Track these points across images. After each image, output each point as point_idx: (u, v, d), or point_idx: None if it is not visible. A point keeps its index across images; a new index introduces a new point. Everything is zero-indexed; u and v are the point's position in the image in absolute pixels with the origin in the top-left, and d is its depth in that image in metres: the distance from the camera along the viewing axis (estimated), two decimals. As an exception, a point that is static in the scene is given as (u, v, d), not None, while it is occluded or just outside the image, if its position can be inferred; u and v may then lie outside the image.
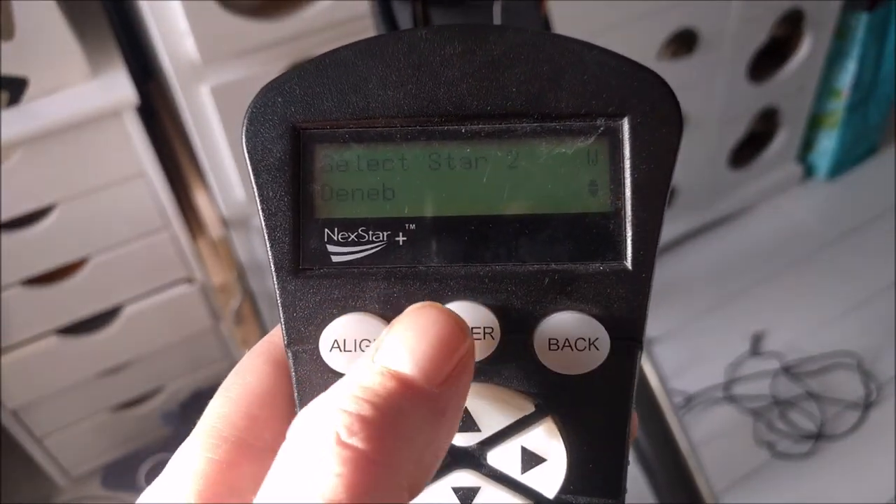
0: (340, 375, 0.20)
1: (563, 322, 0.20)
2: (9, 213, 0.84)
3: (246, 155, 0.20)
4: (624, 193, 0.20)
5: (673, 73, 1.18)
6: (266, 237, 0.20)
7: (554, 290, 0.20)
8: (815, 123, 1.55)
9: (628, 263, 0.20)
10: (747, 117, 1.38)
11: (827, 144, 1.57)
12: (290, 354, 0.20)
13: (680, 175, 1.36)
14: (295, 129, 0.20)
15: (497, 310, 0.20)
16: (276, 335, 0.21)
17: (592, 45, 0.20)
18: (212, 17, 0.77)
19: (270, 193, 0.20)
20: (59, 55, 0.82)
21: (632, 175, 0.20)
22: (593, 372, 0.20)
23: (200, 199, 0.97)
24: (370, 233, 0.20)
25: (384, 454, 0.16)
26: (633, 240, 0.20)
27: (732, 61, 1.25)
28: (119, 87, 0.84)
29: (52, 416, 1.04)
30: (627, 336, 0.20)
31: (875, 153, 1.66)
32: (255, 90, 0.73)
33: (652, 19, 1.10)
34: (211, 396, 0.21)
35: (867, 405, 1.20)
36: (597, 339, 0.20)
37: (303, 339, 0.20)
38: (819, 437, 1.17)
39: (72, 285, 0.93)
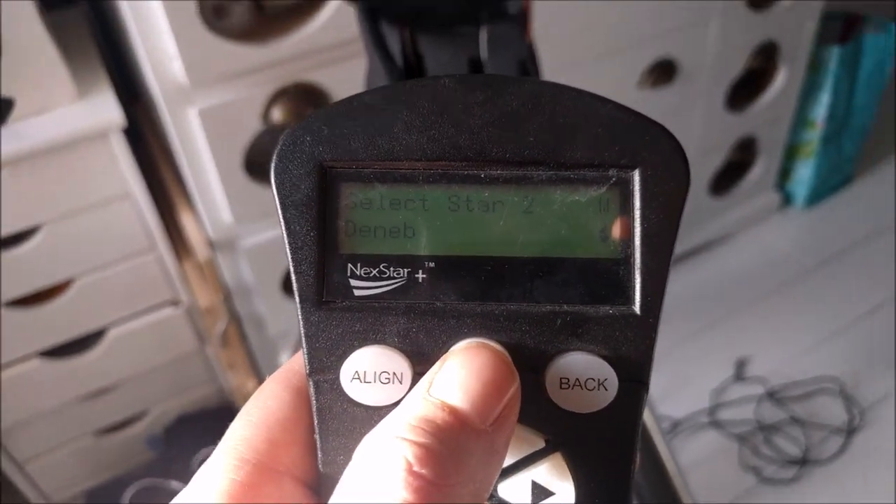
0: (360, 406, 0.21)
1: (574, 362, 0.21)
2: (-6, 234, 0.85)
3: (274, 190, 0.21)
4: (633, 241, 0.21)
5: (653, 102, 1.21)
6: (292, 269, 0.21)
7: (566, 331, 0.21)
8: (791, 153, 1.59)
9: (636, 308, 0.21)
10: (726, 146, 1.41)
11: (804, 173, 1.60)
12: (311, 383, 0.21)
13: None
14: (322, 167, 0.21)
15: (511, 348, 0.21)
16: (296, 363, 0.22)
17: (607, 100, 0.21)
18: (200, 41, 0.78)
19: (297, 228, 0.21)
20: (47, 76, 0.83)
21: (641, 224, 0.21)
22: (602, 411, 0.21)
23: (187, 221, 0.97)
24: (391, 269, 0.21)
25: (450, 487, 0.17)
26: (641, 285, 0.21)
27: (710, 91, 1.28)
28: (106, 109, 0.85)
29: (33, 440, 1.03)
30: (635, 378, 0.21)
31: (851, 183, 1.70)
32: (243, 113, 0.75)
33: (633, 49, 1.13)
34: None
35: (850, 430, 1.20)
36: (606, 379, 0.21)
37: (324, 370, 0.21)
38: (804, 462, 1.17)
39: (56, 307, 0.93)
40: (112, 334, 0.99)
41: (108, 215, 0.90)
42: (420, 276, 0.21)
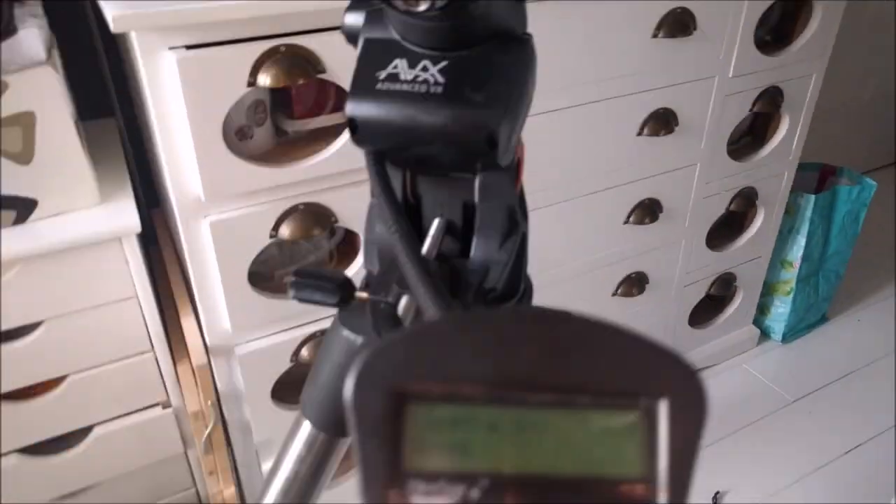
0: None
1: None
2: (-3, 327, 0.86)
3: (353, 412, 0.24)
4: (659, 464, 0.24)
5: (640, 237, 1.27)
6: (361, 483, 0.24)
7: None
8: (769, 290, 1.65)
9: None
10: (707, 281, 1.47)
11: (781, 311, 1.66)
12: None
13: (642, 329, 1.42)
14: (392, 391, 0.24)
15: None
16: None
17: (641, 337, 0.25)
18: (221, 160, 0.83)
19: (368, 446, 0.24)
20: (73, 181, 0.87)
21: (667, 448, 0.25)
22: None
23: (187, 325, 0.99)
24: (448, 485, 0.24)
25: None
26: (668, 502, 0.24)
27: (693, 230, 1.35)
28: (125, 215, 0.88)
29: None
30: None
31: (826, 322, 1.76)
32: (253, 228, 0.79)
33: (619, 192, 1.21)
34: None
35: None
36: None
37: None
38: None
39: (45, 403, 0.93)
40: (96, 433, 0.99)
41: (112, 315, 0.92)
42: (474, 492, 0.24)
